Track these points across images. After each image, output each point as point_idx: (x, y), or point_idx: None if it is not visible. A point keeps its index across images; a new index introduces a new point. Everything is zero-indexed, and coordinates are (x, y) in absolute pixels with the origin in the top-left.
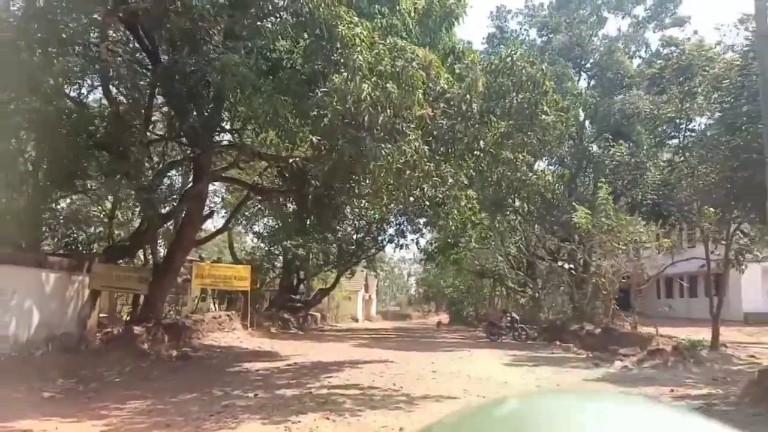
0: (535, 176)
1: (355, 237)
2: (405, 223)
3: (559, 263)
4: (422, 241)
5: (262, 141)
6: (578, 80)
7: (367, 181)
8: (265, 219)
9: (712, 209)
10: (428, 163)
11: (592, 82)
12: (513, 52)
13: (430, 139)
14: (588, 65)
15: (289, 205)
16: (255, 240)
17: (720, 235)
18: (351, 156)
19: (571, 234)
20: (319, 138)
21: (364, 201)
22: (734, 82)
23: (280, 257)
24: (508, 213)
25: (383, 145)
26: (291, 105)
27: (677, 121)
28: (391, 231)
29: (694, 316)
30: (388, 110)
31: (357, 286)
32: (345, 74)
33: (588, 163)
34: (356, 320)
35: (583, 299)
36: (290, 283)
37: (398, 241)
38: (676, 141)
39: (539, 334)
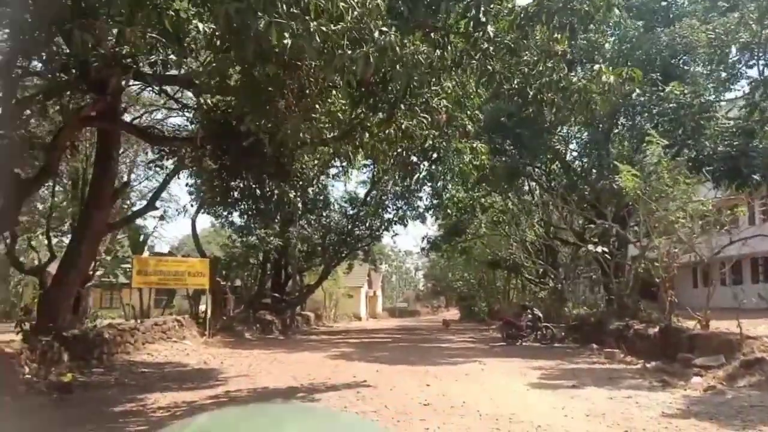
0: (581, 80)
1: (346, 225)
2: (404, 206)
3: (590, 247)
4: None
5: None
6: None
7: (291, 92)
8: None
9: None
10: (385, 31)
11: (631, 15)
12: None
13: None
14: None
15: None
16: (228, 229)
17: None
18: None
19: (608, 207)
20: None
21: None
22: None
23: (261, 251)
24: (526, 184)
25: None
26: None
27: (753, 47)
28: (388, 216)
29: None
30: None
31: (359, 282)
32: None
33: (628, 112)
34: (359, 318)
35: (624, 290)
36: (277, 280)
37: (396, 227)
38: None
39: (566, 333)
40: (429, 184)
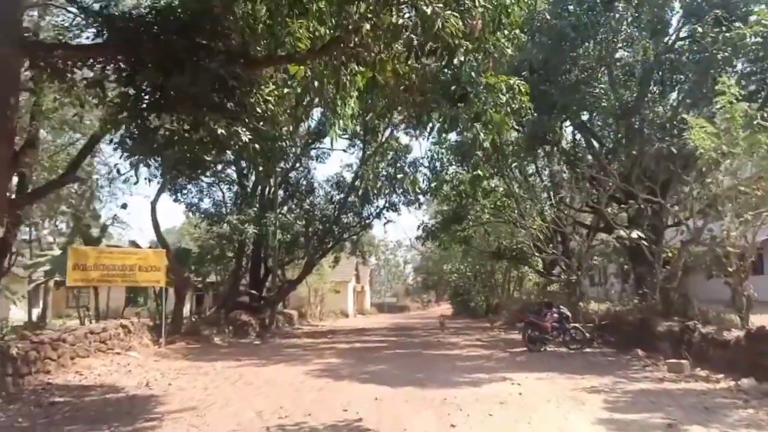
0: None
1: (332, 212)
2: (397, 190)
3: (621, 232)
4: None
5: None
6: None
7: None
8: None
9: None
10: None
11: None
12: None
13: None
14: None
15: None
16: (196, 216)
17: None
18: None
19: (640, 184)
20: None
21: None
22: None
23: (235, 242)
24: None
25: None
26: None
27: None
28: (379, 202)
29: None
30: None
31: (347, 276)
32: None
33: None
34: (346, 315)
35: (669, 282)
36: (256, 275)
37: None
38: None
39: (594, 335)
40: (446, 137)
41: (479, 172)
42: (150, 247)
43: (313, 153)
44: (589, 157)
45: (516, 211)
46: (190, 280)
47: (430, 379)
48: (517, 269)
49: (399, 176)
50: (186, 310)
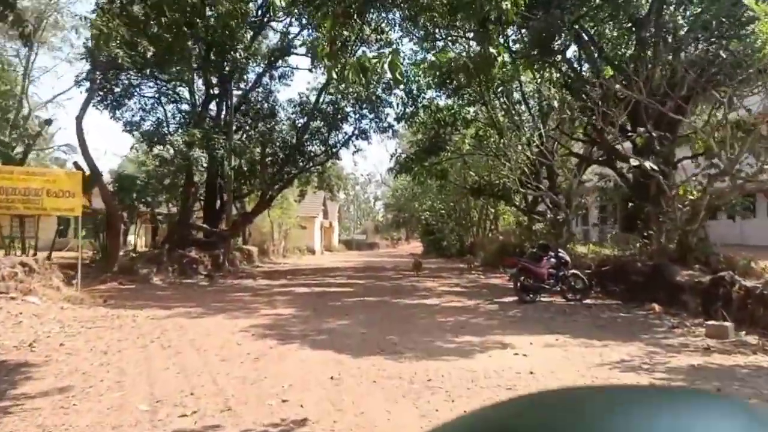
0: None
1: (294, 137)
2: (368, 114)
3: (632, 161)
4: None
5: None
6: None
7: None
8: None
9: None
10: None
11: None
12: None
13: None
14: None
15: None
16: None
17: None
18: None
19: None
20: None
21: None
22: None
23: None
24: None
25: None
26: None
27: None
28: (347, 129)
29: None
30: None
31: (313, 212)
32: None
33: None
34: (313, 252)
35: (690, 224)
36: (210, 208)
37: (358, 142)
38: None
39: (590, 283)
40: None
41: (493, 50)
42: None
43: (276, 74)
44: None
45: (500, 142)
46: (116, 210)
47: (405, 344)
48: (495, 207)
49: (371, 97)
50: (140, 245)
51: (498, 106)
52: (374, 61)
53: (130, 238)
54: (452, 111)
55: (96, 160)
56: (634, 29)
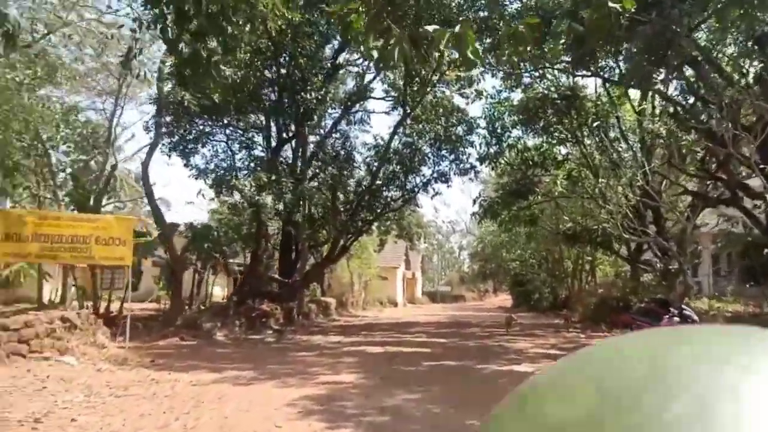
0: None
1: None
2: (447, 156)
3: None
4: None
5: None
6: None
7: None
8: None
9: None
10: None
11: None
12: None
13: None
14: None
15: None
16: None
17: None
18: None
19: None
20: None
21: None
22: None
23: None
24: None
25: None
26: None
27: None
28: (426, 171)
29: None
30: None
31: (395, 262)
32: None
33: None
34: (395, 304)
35: None
36: (286, 257)
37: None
38: None
39: None
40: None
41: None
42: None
43: (353, 118)
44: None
45: (597, 184)
46: (185, 259)
47: None
48: (593, 255)
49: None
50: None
51: (593, 144)
52: (436, 32)
53: (216, 289)
54: (541, 150)
55: (165, 207)
56: (756, 46)
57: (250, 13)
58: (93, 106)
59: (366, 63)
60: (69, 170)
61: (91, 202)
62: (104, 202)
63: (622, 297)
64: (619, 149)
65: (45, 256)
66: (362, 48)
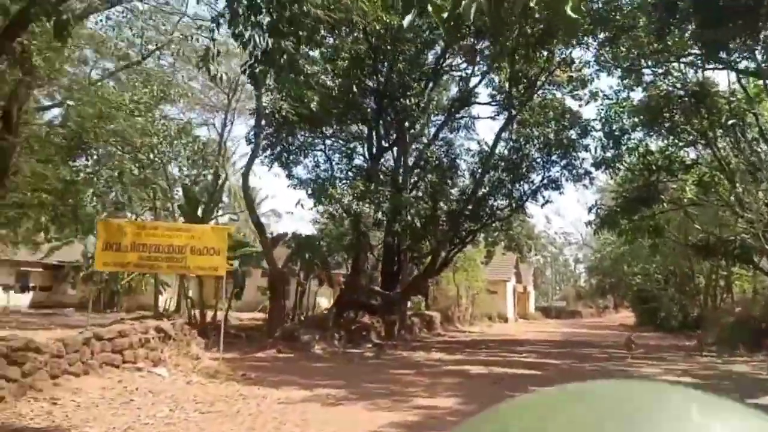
0: None
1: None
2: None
3: None
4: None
5: None
6: None
7: None
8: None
9: None
10: None
11: None
12: None
13: None
14: None
15: None
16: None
17: None
18: None
19: None
20: None
21: None
22: None
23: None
24: None
25: None
26: None
27: None
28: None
29: None
30: None
31: (504, 275)
32: None
33: None
34: (505, 320)
35: None
36: (388, 269)
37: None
38: None
39: None
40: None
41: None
42: (276, 236)
43: (457, 125)
44: None
45: (735, 190)
46: (282, 271)
47: None
48: (728, 270)
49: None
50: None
51: (728, 145)
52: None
53: (321, 300)
54: (666, 153)
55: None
56: None
57: (347, 17)
58: (206, 121)
59: (469, 69)
60: (182, 184)
61: (200, 213)
62: (219, 213)
63: (765, 316)
64: (758, 150)
65: (142, 266)
66: (429, 7)
